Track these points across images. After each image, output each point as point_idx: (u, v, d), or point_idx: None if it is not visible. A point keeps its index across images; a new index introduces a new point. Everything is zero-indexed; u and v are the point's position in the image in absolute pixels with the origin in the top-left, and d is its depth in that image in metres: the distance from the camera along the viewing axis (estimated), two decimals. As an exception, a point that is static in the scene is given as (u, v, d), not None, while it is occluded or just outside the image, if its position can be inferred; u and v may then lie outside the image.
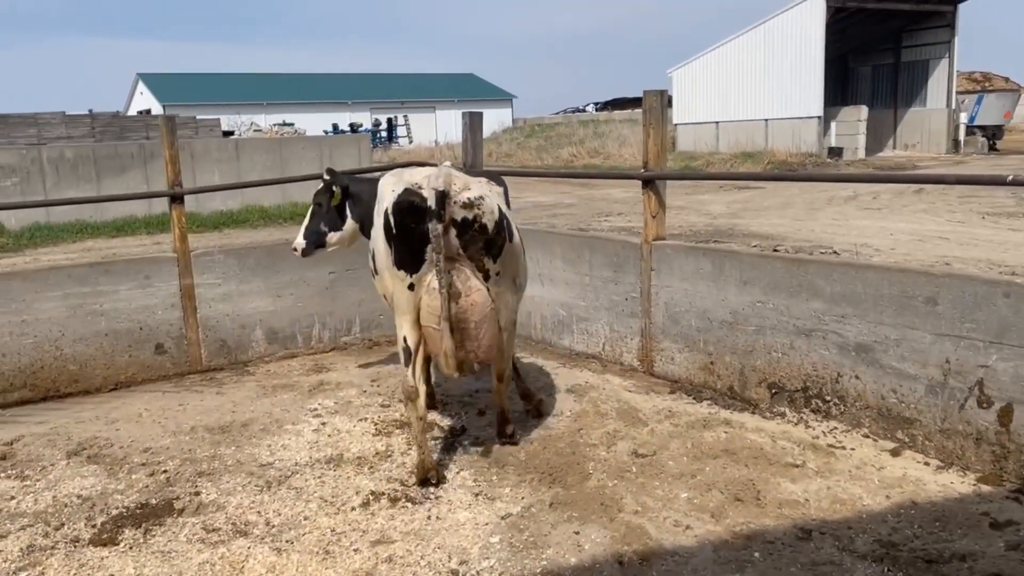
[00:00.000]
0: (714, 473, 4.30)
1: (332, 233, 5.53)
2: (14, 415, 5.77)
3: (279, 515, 4.02)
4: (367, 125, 57.25)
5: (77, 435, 5.23)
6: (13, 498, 4.28)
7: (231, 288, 6.73)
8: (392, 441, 4.93)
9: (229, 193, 18.82)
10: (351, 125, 54.81)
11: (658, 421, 5.10)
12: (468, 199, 4.12)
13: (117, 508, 4.13)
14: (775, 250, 9.10)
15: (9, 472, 4.64)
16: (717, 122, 34.56)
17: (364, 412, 5.46)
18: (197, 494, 4.28)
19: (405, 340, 4.33)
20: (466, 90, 67.79)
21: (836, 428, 4.85)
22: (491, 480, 4.37)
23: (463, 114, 7.56)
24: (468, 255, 4.19)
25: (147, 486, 4.39)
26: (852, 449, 4.58)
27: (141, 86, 63.16)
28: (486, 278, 4.30)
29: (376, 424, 5.23)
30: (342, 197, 5.46)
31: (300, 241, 5.57)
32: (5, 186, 17.29)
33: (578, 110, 65.40)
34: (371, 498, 4.16)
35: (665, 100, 5.91)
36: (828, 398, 4.97)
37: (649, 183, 5.95)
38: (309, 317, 7.11)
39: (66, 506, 4.17)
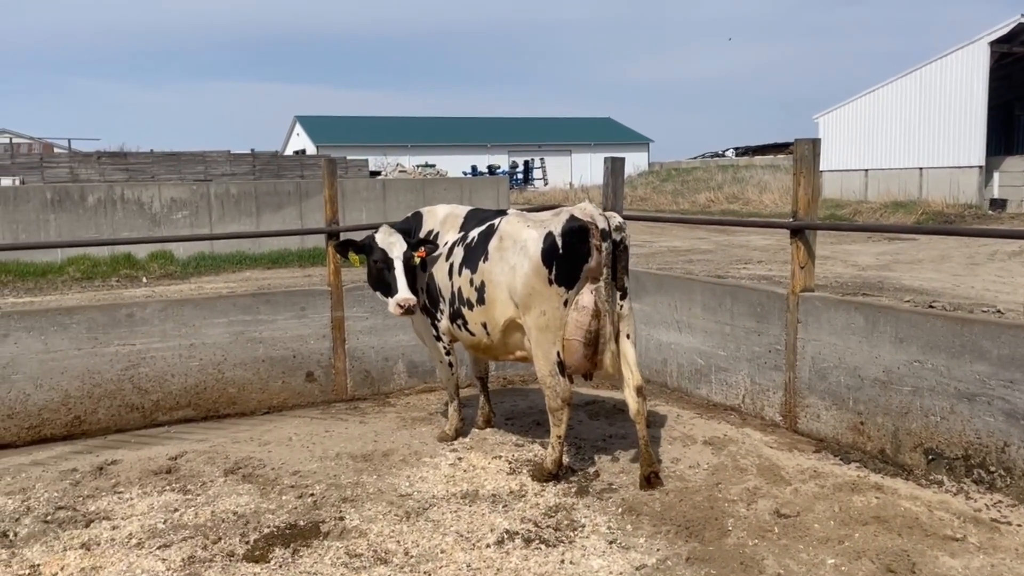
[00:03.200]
0: (864, 540, 4.08)
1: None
2: (179, 432, 6.22)
3: (417, 546, 4.13)
4: (504, 167, 58.65)
5: (234, 454, 5.57)
6: (177, 510, 4.60)
7: (377, 322, 7.03)
8: (525, 481, 4.97)
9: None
10: (489, 167, 56.32)
11: (802, 481, 4.89)
12: (619, 223, 4.91)
13: (269, 527, 4.37)
14: (931, 306, 8.59)
15: (174, 485, 5.00)
16: (866, 170, 33.19)
17: (499, 450, 5.54)
18: (341, 519, 4.46)
19: (559, 354, 4.83)
20: (602, 134, 68.32)
21: (1001, 502, 4.50)
22: (626, 529, 4.32)
23: (605, 159, 7.63)
24: (616, 274, 4.87)
25: (296, 508, 4.62)
26: (1019, 526, 4.23)
27: (298, 127, 67.43)
28: (623, 296, 4.97)
29: (510, 463, 5.29)
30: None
31: (411, 296, 5.40)
32: (176, 218, 18.82)
33: (717, 155, 64.40)
34: (505, 536, 4.21)
35: (818, 149, 5.77)
36: (992, 468, 4.62)
37: (798, 233, 5.80)
38: (448, 353, 7.30)
39: (223, 521, 4.45)
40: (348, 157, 41.10)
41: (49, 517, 4.52)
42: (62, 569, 3.91)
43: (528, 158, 62.51)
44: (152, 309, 6.39)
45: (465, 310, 5.29)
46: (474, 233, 5.34)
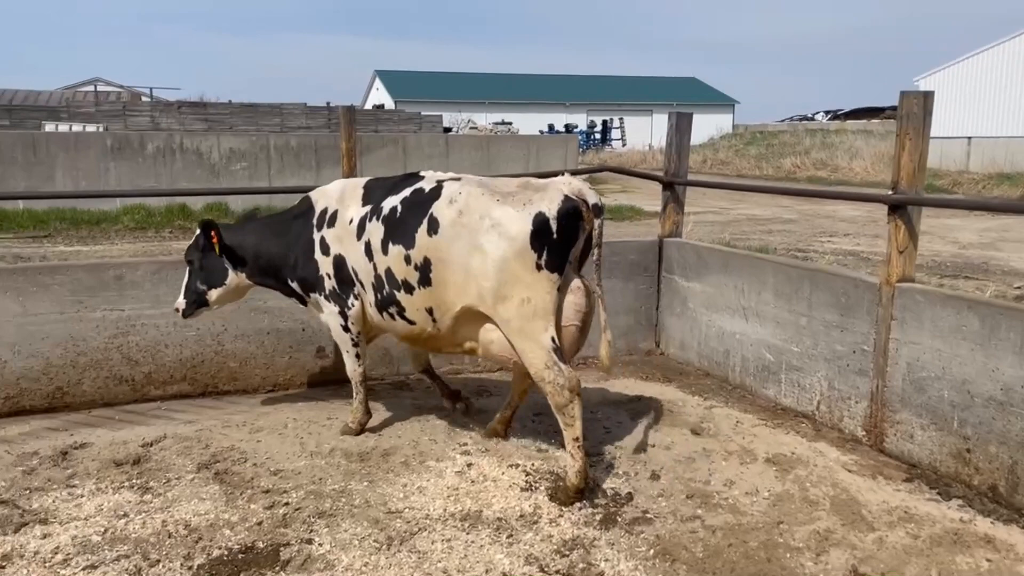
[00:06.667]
0: (971, 625, 3.08)
1: (213, 290, 5.16)
2: (169, 409, 5.58)
3: (390, 588, 3.32)
4: (582, 126, 57.07)
5: (216, 443, 4.86)
6: (125, 516, 3.91)
7: (397, 294, 6.21)
8: (540, 501, 4.10)
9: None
10: (566, 126, 54.84)
11: (889, 525, 3.87)
12: (602, 202, 4.37)
13: (220, 548, 3.62)
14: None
15: (135, 481, 4.31)
16: (969, 137, 30.68)
17: (517, 456, 4.67)
18: (309, 542, 3.69)
19: (554, 340, 4.16)
20: (686, 94, 65.68)
21: None
22: (655, 580, 3.41)
23: (669, 115, 6.59)
24: (599, 253, 4.30)
25: (260, 522, 3.86)
26: None
27: (377, 82, 67.07)
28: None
29: (528, 474, 4.42)
30: (222, 250, 5.06)
31: (180, 302, 5.19)
32: (235, 170, 18.43)
33: (806, 118, 61.24)
34: (502, 582, 3.36)
35: (930, 105, 4.62)
36: None
37: (898, 209, 4.69)
38: (478, 332, 6.44)
39: (171, 536, 3.72)
40: (423, 113, 40.51)
41: (-19, 515, 3.89)
42: (-38, 592, 3.25)
43: (607, 118, 60.60)
44: (144, 271, 5.71)
45: (401, 294, 4.53)
46: (392, 202, 4.58)
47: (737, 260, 6.16)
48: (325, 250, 4.87)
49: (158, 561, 3.50)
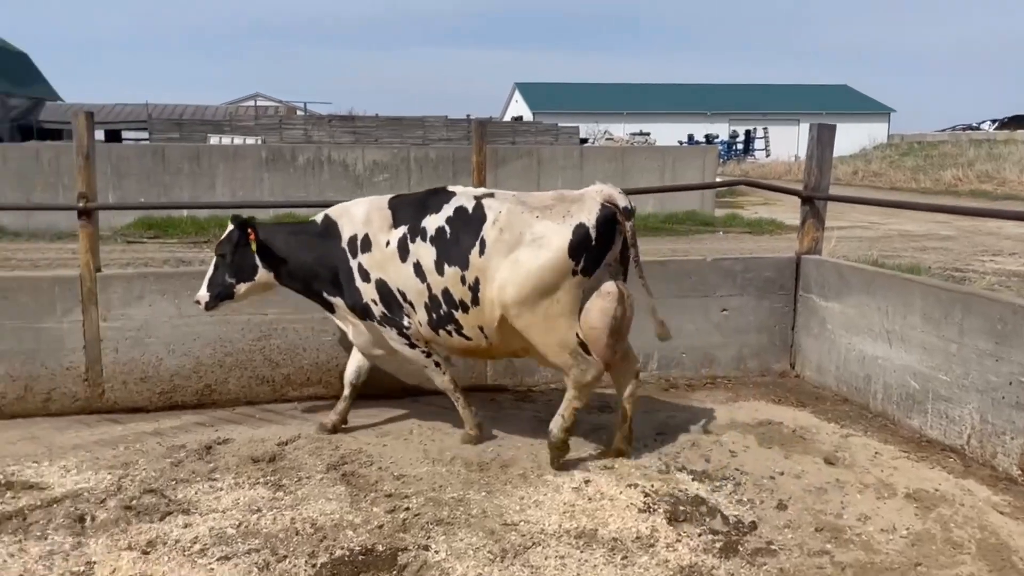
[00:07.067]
0: None
1: (241, 284, 5.19)
2: (306, 410, 5.84)
3: (502, 601, 3.33)
4: (723, 137, 55.66)
5: (345, 445, 5.06)
6: (259, 511, 4.12)
7: (523, 306, 6.25)
8: (658, 523, 4.00)
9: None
10: (707, 136, 53.65)
11: (1044, 576, 3.53)
12: (633, 206, 4.61)
13: (343, 548, 3.75)
14: None
15: (269, 478, 4.54)
16: None
17: (636, 475, 4.59)
18: (426, 548, 3.76)
19: (578, 335, 4.48)
20: (836, 102, 62.83)
21: None
22: (776, 616, 3.26)
23: (810, 127, 6.31)
24: (636, 252, 4.62)
25: (381, 526, 3.97)
26: None
27: (517, 94, 68.12)
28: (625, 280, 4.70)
29: (647, 495, 4.33)
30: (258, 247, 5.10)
31: (203, 294, 5.21)
32: (377, 181, 19.17)
33: (970, 127, 57.16)
34: (614, 605, 3.30)
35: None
36: None
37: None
38: (603, 347, 6.39)
39: (298, 533, 3.89)
40: (560, 124, 40.78)
41: (134, 502, 4.20)
42: (112, 572, 3.52)
43: (750, 128, 58.83)
44: (286, 278, 6.03)
45: (459, 314, 4.69)
46: (436, 221, 4.71)
47: (882, 280, 5.81)
48: (365, 277, 4.91)
49: (285, 557, 3.67)
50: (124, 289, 5.80)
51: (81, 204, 5.76)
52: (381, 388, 6.14)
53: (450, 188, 4.89)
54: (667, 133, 51.07)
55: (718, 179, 22.68)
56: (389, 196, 5.10)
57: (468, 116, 40.94)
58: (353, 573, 3.56)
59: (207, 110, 44.89)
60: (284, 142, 32.12)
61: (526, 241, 4.43)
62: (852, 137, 47.48)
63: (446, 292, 4.66)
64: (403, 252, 4.79)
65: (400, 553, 3.72)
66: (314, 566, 3.61)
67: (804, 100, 63.35)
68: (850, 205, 19.54)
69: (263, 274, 5.20)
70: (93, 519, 4.02)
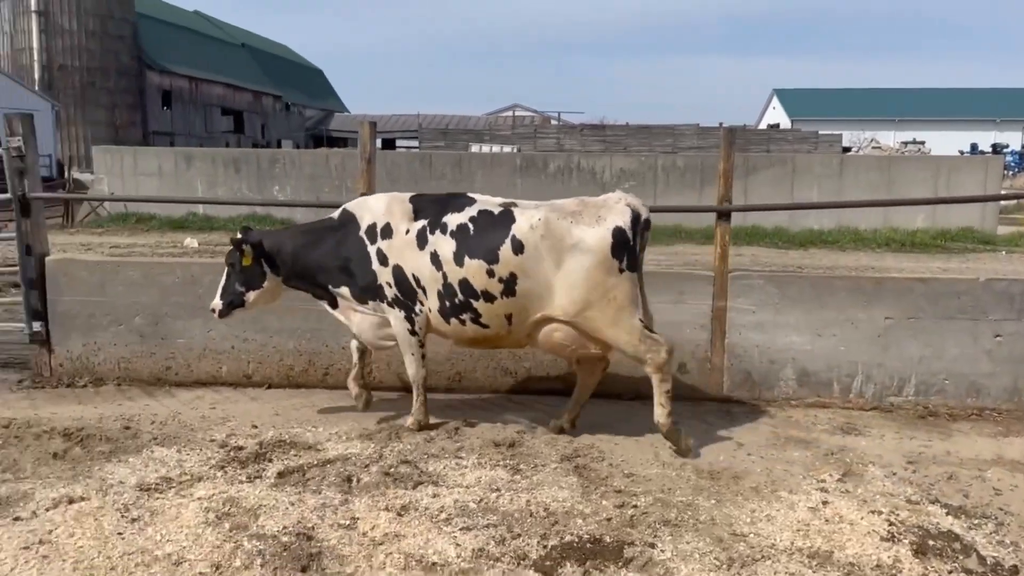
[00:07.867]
0: None
1: (250, 292, 5.46)
2: (545, 403, 6.10)
3: (724, 608, 3.33)
4: (1014, 146, 49.62)
5: (579, 439, 5.28)
6: (497, 490, 4.43)
7: (766, 317, 6.11)
8: (902, 554, 3.77)
9: (825, 212, 18.01)
10: (993, 146, 48.16)
11: None
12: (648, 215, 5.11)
13: (571, 535, 3.94)
14: None
15: (508, 462, 4.86)
16: None
17: (881, 502, 4.33)
18: (652, 546, 3.84)
19: (641, 320, 4.97)
20: None
21: None
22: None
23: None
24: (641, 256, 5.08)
25: (609, 519, 4.11)
26: None
27: (775, 101, 65.53)
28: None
29: (891, 523, 4.08)
30: (254, 255, 5.38)
31: (217, 303, 5.49)
32: (624, 188, 19.36)
33: None
34: (844, 629, 3.18)
35: None
36: None
37: None
38: (852, 365, 6.06)
39: (532, 515, 4.14)
40: (820, 132, 38.65)
41: (391, 470, 4.69)
42: (371, 528, 3.98)
43: (1049, 136, 51.94)
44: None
45: (480, 303, 5.03)
46: (457, 219, 5.09)
47: None
48: (383, 261, 5.22)
49: (519, 535, 3.93)
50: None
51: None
52: (615, 389, 6.31)
53: (471, 195, 5.27)
54: (945, 141, 46.60)
55: (1002, 192, 20.30)
56: (410, 193, 5.46)
57: (721, 124, 40.01)
58: (581, 559, 3.72)
59: (470, 120, 47.89)
60: (537, 150, 33.44)
61: (567, 246, 4.87)
62: None
63: (464, 282, 5.01)
64: (422, 241, 5.15)
65: (626, 547, 3.83)
66: (545, 547, 3.83)
67: (1122, 103, 54.74)
68: None
69: (272, 281, 5.53)
70: (358, 481, 4.55)
